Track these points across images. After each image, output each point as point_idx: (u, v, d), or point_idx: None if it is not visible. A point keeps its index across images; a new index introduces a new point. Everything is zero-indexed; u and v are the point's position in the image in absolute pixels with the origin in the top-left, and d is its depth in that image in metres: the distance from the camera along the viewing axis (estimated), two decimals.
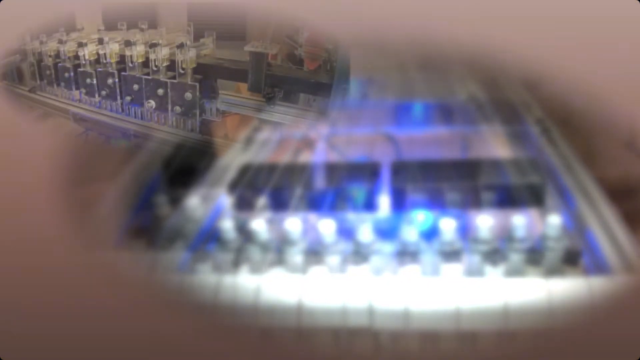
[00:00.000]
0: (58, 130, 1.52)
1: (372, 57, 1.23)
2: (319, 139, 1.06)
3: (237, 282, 0.72)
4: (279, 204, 0.85)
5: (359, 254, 0.75)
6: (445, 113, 1.19)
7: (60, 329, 0.74)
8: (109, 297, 0.73)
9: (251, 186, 0.90)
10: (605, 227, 0.79)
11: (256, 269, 0.75)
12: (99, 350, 0.73)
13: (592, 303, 0.68)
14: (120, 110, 1.42)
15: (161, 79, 1.32)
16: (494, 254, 0.75)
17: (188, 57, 1.31)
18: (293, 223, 0.76)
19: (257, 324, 0.71)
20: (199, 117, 1.34)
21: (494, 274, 0.73)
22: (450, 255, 0.75)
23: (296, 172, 0.92)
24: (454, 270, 0.73)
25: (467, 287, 0.70)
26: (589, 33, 0.99)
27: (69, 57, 1.44)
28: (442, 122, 1.17)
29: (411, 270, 0.73)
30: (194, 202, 0.83)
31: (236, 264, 0.75)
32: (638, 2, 0.98)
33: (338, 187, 0.87)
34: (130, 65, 1.34)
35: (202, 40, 1.38)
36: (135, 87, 1.35)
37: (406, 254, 0.75)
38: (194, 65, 1.32)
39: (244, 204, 0.85)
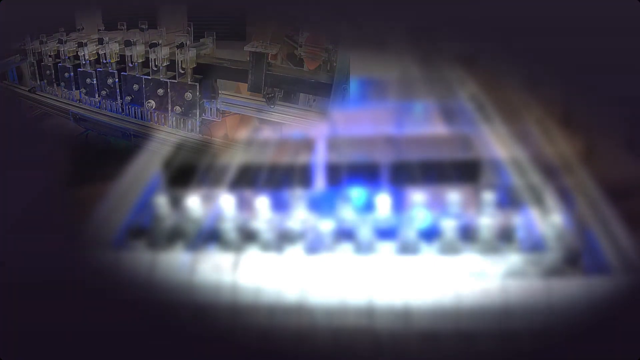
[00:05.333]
0: (58, 130, 1.52)
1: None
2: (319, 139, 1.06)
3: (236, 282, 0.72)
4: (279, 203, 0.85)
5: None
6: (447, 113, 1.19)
7: (60, 329, 0.74)
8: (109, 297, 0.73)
9: (251, 186, 0.90)
10: (605, 227, 0.79)
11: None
12: (99, 350, 0.73)
13: (592, 303, 0.68)
14: (120, 110, 1.43)
15: (161, 79, 1.32)
16: (493, 254, 0.75)
17: (188, 57, 1.31)
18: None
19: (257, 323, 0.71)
20: (199, 117, 1.34)
21: (493, 273, 0.73)
22: (450, 254, 0.75)
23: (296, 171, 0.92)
24: (453, 269, 0.72)
25: (467, 286, 0.70)
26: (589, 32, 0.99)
27: (69, 57, 1.44)
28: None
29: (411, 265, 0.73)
30: (194, 202, 0.82)
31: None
32: (638, 1, 0.98)
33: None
34: (130, 65, 1.35)
35: (202, 40, 1.38)
36: (135, 87, 1.35)
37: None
38: (194, 65, 1.32)
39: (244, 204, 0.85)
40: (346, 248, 0.77)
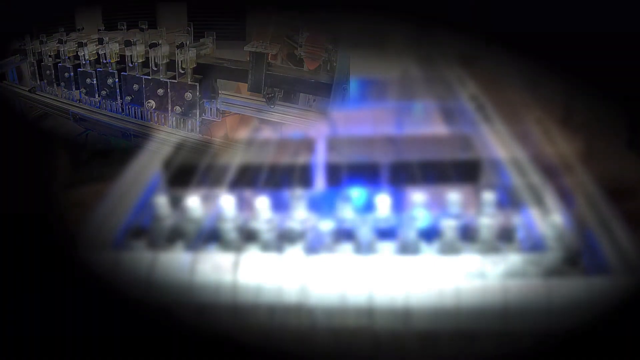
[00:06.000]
0: (58, 130, 1.52)
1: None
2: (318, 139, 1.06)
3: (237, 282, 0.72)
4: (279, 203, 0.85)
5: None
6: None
7: (59, 329, 0.74)
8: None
9: (251, 186, 0.90)
10: (605, 227, 0.79)
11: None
12: (99, 351, 0.73)
13: (592, 303, 0.68)
14: (120, 110, 1.43)
15: (161, 79, 1.32)
16: (493, 253, 0.75)
17: (188, 57, 1.31)
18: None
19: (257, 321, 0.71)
20: (199, 117, 1.34)
21: (493, 273, 0.73)
22: (450, 254, 0.75)
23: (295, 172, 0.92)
24: (453, 269, 0.72)
25: (467, 286, 0.70)
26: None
27: (69, 57, 1.44)
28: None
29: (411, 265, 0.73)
30: (194, 202, 0.82)
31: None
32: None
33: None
34: (130, 65, 1.35)
35: (202, 40, 1.38)
36: (135, 87, 1.35)
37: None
38: (194, 65, 1.32)
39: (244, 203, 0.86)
40: (346, 248, 0.77)
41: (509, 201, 0.87)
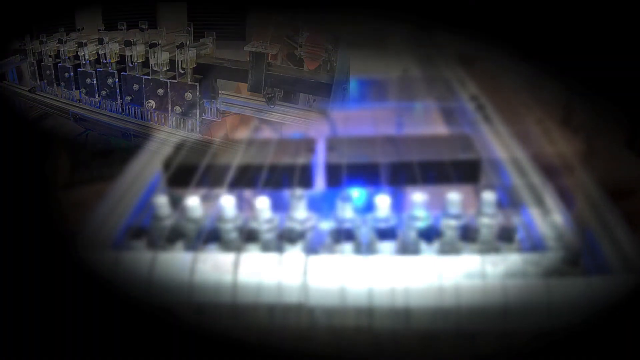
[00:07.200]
0: (58, 130, 1.52)
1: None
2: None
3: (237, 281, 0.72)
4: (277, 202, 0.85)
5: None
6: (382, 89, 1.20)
7: (59, 331, 0.74)
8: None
9: (251, 186, 0.90)
10: (605, 227, 0.79)
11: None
12: (98, 351, 0.73)
13: (592, 303, 0.68)
14: (120, 110, 1.43)
15: (161, 79, 1.32)
16: (493, 253, 0.75)
17: (188, 57, 1.31)
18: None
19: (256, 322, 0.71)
20: (199, 117, 1.34)
21: (493, 273, 0.73)
22: (450, 254, 0.75)
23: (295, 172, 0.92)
24: (453, 269, 0.72)
25: (467, 287, 0.70)
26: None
27: (69, 57, 1.44)
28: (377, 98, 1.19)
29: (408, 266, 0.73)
30: (194, 202, 0.82)
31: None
32: None
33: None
34: (130, 65, 1.35)
35: (202, 40, 1.38)
36: (135, 87, 1.35)
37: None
38: (194, 65, 1.32)
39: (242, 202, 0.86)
40: (346, 248, 0.77)
41: (509, 201, 0.87)
